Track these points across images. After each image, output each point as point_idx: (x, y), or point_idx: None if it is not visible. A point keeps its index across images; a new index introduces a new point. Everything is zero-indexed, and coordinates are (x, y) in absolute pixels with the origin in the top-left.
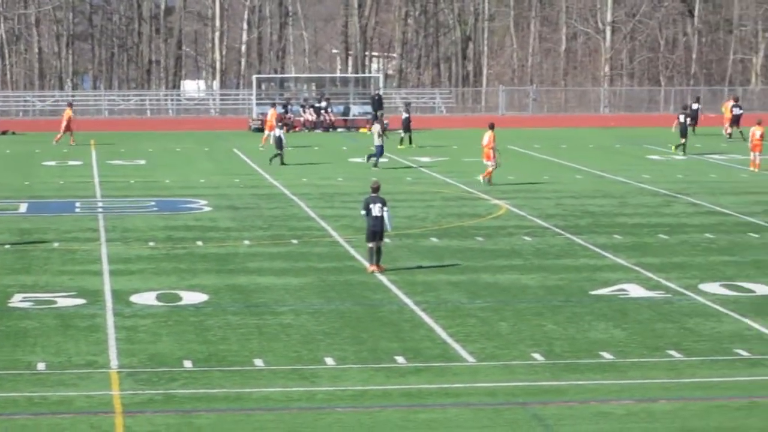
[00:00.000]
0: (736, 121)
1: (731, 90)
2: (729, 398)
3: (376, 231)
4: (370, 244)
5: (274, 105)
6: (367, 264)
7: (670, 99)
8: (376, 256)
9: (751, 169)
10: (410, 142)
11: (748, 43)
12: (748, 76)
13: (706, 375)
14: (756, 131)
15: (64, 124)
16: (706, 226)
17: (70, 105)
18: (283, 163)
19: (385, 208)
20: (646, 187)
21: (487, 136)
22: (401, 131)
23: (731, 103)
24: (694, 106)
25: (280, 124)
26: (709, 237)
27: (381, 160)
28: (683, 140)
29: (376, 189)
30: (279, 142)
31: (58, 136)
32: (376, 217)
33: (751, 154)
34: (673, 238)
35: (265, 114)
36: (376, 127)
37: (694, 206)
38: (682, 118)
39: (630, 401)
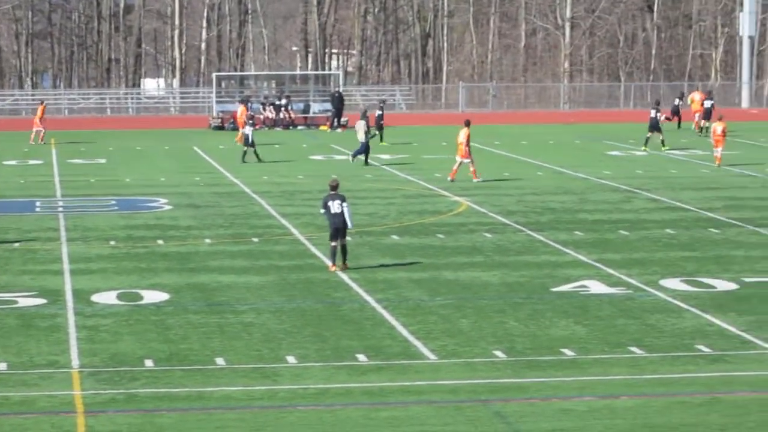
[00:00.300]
0: (707, 115)
1: (691, 85)
2: (690, 394)
3: (338, 228)
4: (333, 243)
5: (244, 102)
6: (328, 262)
7: (630, 95)
8: (341, 254)
9: (715, 164)
10: (381, 140)
11: (707, 38)
12: (708, 72)
13: (667, 371)
14: (717, 127)
15: (38, 120)
16: (667, 221)
17: (42, 102)
18: (243, 161)
19: (344, 204)
20: (606, 183)
21: (463, 132)
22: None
23: (698, 95)
24: (676, 101)
25: (251, 121)
26: (669, 233)
27: (360, 157)
28: (659, 135)
29: (334, 187)
30: (246, 139)
31: (42, 133)
32: (336, 214)
33: (714, 149)
34: (634, 234)
35: (229, 112)
36: (361, 124)
37: (654, 202)
38: (653, 113)
39: (592, 398)
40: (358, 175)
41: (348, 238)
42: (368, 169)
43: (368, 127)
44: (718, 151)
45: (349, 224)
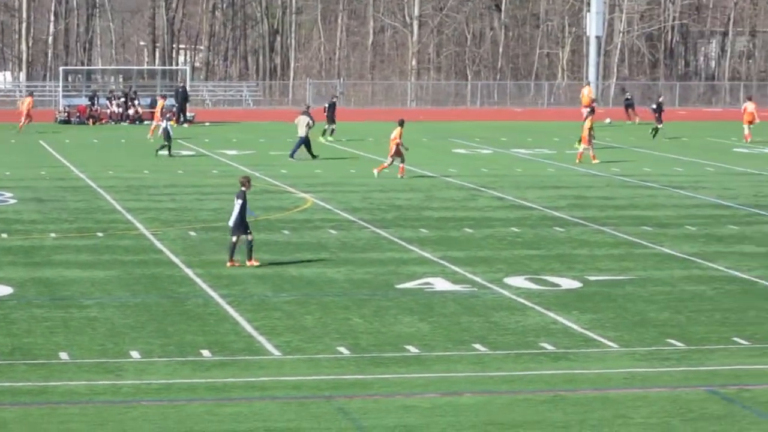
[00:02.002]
0: (659, 116)
1: (537, 84)
2: (534, 392)
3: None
4: (233, 238)
5: (163, 96)
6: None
7: (477, 93)
8: (247, 251)
9: (578, 161)
10: (331, 134)
11: (554, 38)
12: (555, 71)
13: (511, 368)
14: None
15: (25, 112)
16: (512, 219)
17: (31, 94)
18: (170, 155)
19: (237, 202)
20: (452, 181)
21: (396, 131)
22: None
23: (587, 89)
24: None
25: (168, 115)
26: (514, 231)
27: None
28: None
29: (240, 183)
30: (167, 134)
31: (22, 123)
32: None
33: (580, 146)
34: (479, 231)
35: (75, 106)
36: (303, 120)
37: (499, 200)
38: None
39: (435, 395)
40: (204, 171)
41: (192, 233)
42: (214, 164)
43: (311, 122)
44: (582, 147)
45: (230, 222)
